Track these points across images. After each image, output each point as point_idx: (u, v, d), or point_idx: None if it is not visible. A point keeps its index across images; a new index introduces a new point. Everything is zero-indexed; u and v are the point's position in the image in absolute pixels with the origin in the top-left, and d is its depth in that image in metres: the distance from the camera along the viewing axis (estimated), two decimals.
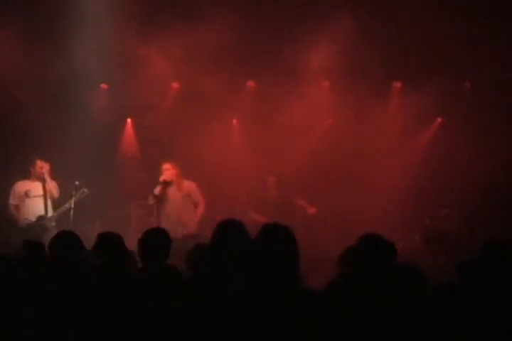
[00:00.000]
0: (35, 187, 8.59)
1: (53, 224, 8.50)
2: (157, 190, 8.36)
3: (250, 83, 10.41)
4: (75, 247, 4.30)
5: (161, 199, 8.36)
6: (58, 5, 9.04)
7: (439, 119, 10.45)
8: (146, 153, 9.96)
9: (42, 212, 8.53)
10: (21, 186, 8.61)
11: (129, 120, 10.47)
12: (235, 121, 10.59)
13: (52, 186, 8.62)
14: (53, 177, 8.66)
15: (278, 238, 3.44)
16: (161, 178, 8.34)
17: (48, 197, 8.58)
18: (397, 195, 9.33)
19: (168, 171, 8.36)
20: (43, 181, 8.59)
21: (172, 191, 8.40)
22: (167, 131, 9.60)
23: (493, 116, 9.57)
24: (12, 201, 8.59)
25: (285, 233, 3.50)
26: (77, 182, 8.44)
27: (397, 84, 10.40)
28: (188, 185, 8.45)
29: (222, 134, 10.00)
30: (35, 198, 8.56)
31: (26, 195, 8.55)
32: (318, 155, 9.75)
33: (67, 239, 4.37)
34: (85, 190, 8.45)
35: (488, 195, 9.53)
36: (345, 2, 9.01)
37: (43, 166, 8.56)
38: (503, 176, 9.56)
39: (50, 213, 8.56)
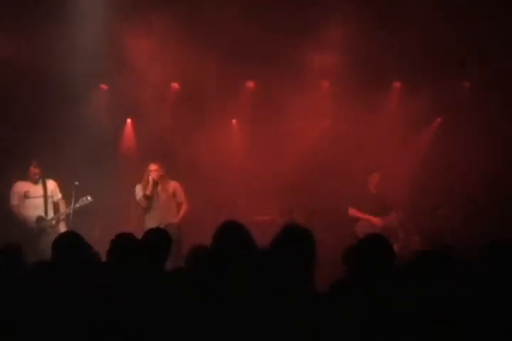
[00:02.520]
0: (35, 188, 8.54)
1: (53, 225, 8.46)
2: (148, 191, 8.29)
3: (250, 83, 10.40)
4: (78, 247, 4.29)
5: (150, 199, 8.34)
6: (58, 5, 9.03)
7: (439, 119, 10.46)
8: (146, 153, 9.95)
9: (41, 213, 8.49)
10: (21, 186, 8.55)
11: (129, 120, 10.46)
12: (234, 121, 10.59)
13: (53, 186, 8.62)
14: (53, 178, 8.67)
15: (294, 238, 3.47)
16: (151, 177, 8.27)
17: (49, 198, 8.56)
18: (396, 195, 9.32)
19: (155, 172, 8.32)
20: (43, 182, 8.57)
21: (158, 192, 8.37)
22: (167, 131, 9.60)
23: (493, 116, 9.58)
24: (14, 202, 8.55)
25: (302, 234, 3.52)
26: (76, 183, 8.39)
27: (397, 85, 10.40)
28: (173, 185, 8.44)
29: (221, 134, 10.01)
30: (35, 199, 8.50)
31: (25, 195, 8.50)
32: (317, 155, 9.74)
33: (70, 239, 4.37)
34: (89, 197, 8.34)
35: (488, 195, 9.54)
36: (346, 2, 9.01)
37: (36, 172, 8.51)
38: (503, 176, 9.56)
39: (49, 215, 8.54)
